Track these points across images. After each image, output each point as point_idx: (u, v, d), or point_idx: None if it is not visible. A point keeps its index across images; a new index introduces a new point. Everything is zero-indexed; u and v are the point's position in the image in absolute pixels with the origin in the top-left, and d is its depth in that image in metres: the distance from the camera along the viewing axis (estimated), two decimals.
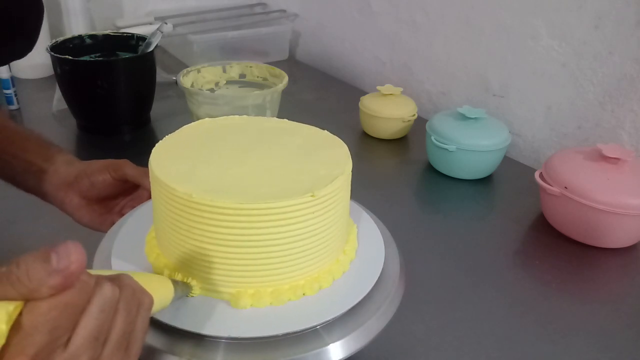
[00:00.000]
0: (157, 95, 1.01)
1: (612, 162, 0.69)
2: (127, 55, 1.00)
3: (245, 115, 0.51)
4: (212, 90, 0.96)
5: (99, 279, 0.28)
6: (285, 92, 0.92)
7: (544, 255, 0.70)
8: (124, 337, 0.29)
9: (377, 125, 0.98)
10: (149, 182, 0.42)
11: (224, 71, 0.97)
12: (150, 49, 0.94)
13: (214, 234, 0.38)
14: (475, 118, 0.84)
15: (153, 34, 0.94)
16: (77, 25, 1.21)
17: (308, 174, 0.41)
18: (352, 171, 0.44)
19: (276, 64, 1.00)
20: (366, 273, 0.43)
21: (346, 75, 1.34)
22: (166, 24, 0.93)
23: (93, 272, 0.28)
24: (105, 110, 0.94)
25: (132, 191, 0.59)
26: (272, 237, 0.38)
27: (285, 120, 0.51)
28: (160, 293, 0.35)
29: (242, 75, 0.98)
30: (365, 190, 0.77)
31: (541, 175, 0.74)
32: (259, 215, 0.37)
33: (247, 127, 0.49)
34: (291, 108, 1.02)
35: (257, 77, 0.98)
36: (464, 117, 0.85)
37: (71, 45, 0.96)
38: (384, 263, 0.45)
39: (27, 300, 0.24)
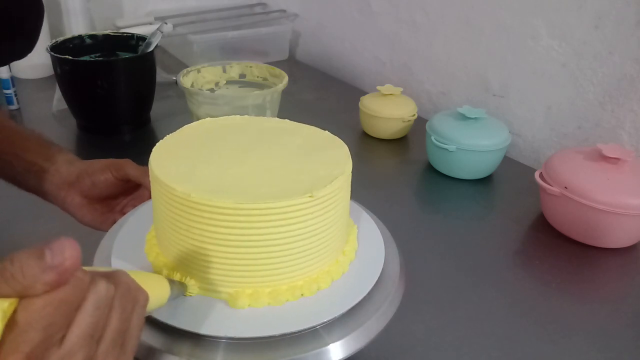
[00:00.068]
0: (157, 95, 1.01)
1: (612, 162, 0.69)
2: (127, 55, 1.00)
3: (245, 115, 0.51)
4: (212, 90, 0.96)
5: (94, 276, 0.28)
6: (285, 92, 0.92)
7: (544, 255, 0.70)
8: (120, 334, 0.29)
9: (377, 125, 0.98)
10: None
11: (224, 71, 0.97)
12: (150, 49, 0.94)
13: (213, 234, 0.38)
14: (475, 118, 0.84)
15: (153, 34, 0.94)
16: (77, 25, 1.21)
17: (308, 174, 0.41)
18: (352, 171, 0.43)
19: (276, 64, 1.00)
20: (366, 273, 0.43)
21: (346, 75, 1.34)
22: (166, 24, 0.93)
23: (88, 268, 0.28)
24: (105, 110, 0.94)
25: (134, 190, 0.59)
26: (271, 237, 0.38)
27: (286, 120, 0.51)
28: (156, 291, 0.34)
29: (242, 75, 0.98)
30: (365, 190, 0.77)
31: (541, 175, 0.74)
32: (258, 215, 0.37)
33: (247, 127, 0.49)
34: (291, 108, 1.02)
35: (257, 77, 0.98)
36: (464, 117, 0.85)
37: (71, 45, 0.96)
38: (384, 263, 0.45)
39: (21, 297, 0.24)
